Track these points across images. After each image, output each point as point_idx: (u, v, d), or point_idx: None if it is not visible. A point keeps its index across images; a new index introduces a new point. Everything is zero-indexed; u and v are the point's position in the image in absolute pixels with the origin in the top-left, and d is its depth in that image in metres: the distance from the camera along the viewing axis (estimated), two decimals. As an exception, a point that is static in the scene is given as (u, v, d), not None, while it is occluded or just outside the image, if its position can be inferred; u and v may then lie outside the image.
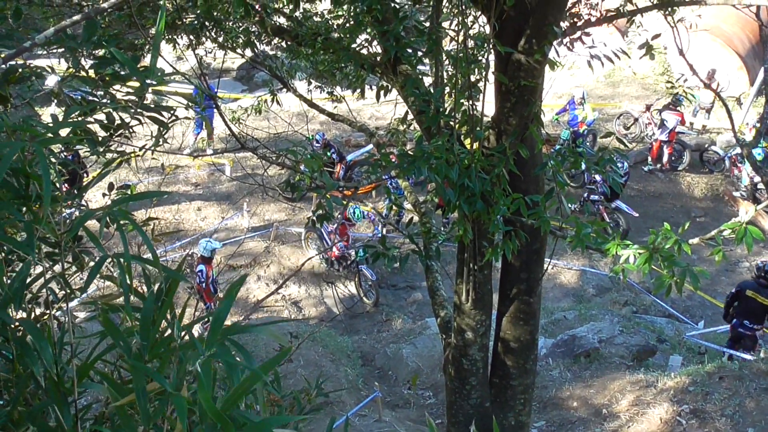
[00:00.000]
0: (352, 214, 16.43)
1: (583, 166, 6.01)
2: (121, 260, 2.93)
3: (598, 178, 18.14)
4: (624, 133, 22.62)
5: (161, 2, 3.65)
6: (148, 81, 3.57)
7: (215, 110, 10.40)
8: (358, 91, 8.09)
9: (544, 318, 14.28)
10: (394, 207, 12.94)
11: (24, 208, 3.13)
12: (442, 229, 16.40)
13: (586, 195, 18.55)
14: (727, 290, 17.47)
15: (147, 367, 2.65)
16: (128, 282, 2.95)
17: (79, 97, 4.10)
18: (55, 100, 4.95)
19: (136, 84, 4.38)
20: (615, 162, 5.95)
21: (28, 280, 3.09)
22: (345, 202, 8.34)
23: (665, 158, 21.34)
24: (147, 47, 9.06)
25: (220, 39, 8.70)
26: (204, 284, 13.85)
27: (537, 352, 7.23)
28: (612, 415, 11.31)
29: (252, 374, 2.40)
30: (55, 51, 4.72)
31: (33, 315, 3.52)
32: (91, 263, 3.39)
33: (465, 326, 6.76)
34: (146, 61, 4.19)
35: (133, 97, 4.35)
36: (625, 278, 5.32)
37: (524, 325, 6.90)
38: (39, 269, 3.18)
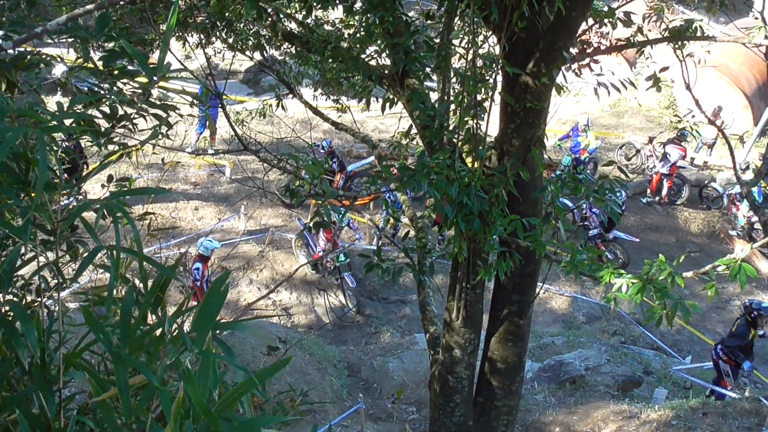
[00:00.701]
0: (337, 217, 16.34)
1: (572, 206, 6.01)
2: (114, 252, 2.94)
3: (595, 210, 18.19)
4: (625, 164, 22.67)
5: (174, -1, 3.68)
6: (156, 77, 3.57)
7: (219, 110, 10.41)
8: (364, 101, 8.11)
9: (532, 342, 14.28)
10: (391, 220, 12.91)
11: (23, 194, 3.13)
12: (438, 246, 16.43)
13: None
14: (717, 327, 17.58)
15: (133, 358, 2.65)
16: (117, 274, 2.95)
17: (86, 89, 4.10)
18: (61, 90, 4.97)
19: (144, 80, 4.39)
20: (615, 191, 5.96)
21: (21, 265, 3.09)
22: (342, 212, 8.34)
23: (664, 191, 21.39)
24: (157, 43, 9.08)
25: (230, 40, 8.72)
26: (199, 282, 13.90)
27: (523, 374, 7.22)
28: (594, 443, 11.31)
29: (248, 380, 2.40)
30: (64, 40, 4.74)
31: (24, 302, 3.51)
32: (85, 253, 3.39)
33: (453, 343, 6.76)
34: (155, 57, 4.20)
35: (139, 92, 4.37)
36: (617, 306, 5.33)
37: (512, 347, 6.90)
38: (34, 258, 3.18)
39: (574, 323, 17.37)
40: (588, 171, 20.27)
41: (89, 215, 2.99)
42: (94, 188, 13.97)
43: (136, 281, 3.30)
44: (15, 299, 3.33)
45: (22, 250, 3.40)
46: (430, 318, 7.56)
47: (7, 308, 3.07)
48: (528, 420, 12.18)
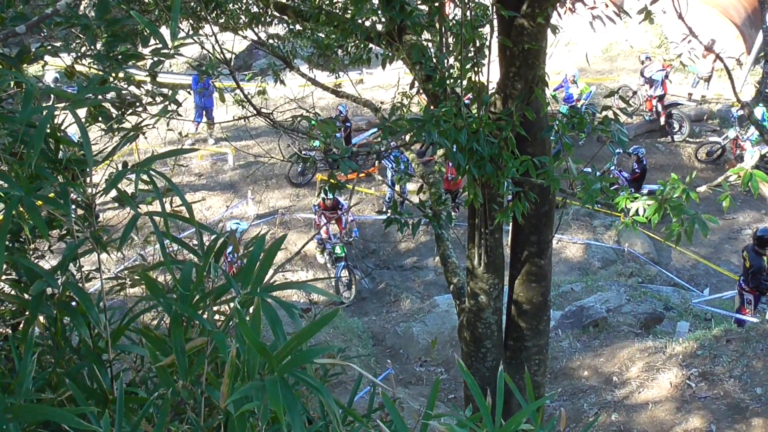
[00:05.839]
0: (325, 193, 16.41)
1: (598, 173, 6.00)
2: (155, 218, 3.02)
3: (623, 173, 18.52)
4: (623, 107, 22.63)
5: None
6: (169, 46, 3.66)
7: (216, 97, 10.42)
8: (359, 73, 8.13)
9: (551, 290, 14.40)
10: (400, 179, 12.91)
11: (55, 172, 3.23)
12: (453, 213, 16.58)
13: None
14: (731, 258, 17.71)
15: (188, 307, 2.73)
16: (164, 239, 3.03)
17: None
18: (67, 82, 5.05)
19: (148, 62, 4.48)
20: (620, 121, 6.04)
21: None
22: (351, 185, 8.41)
23: (662, 121, 21.54)
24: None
25: (221, 21, 8.68)
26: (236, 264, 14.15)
27: (549, 313, 7.29)
28: (623, 382, 11.42)
29: (304, 330, 2.46)
30: (56, 45, 4.80)
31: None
32: (111, 240, 3.45)
33: (478, 290, 6.84)
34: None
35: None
36: (636, 231, 5.40)
37: (536, 287, 6.98)
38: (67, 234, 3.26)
39: (590, 269, 17.51)
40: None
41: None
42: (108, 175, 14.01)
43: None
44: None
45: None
46: (452, 269, 7.63)
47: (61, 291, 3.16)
48: (556, 367, 12.30)
